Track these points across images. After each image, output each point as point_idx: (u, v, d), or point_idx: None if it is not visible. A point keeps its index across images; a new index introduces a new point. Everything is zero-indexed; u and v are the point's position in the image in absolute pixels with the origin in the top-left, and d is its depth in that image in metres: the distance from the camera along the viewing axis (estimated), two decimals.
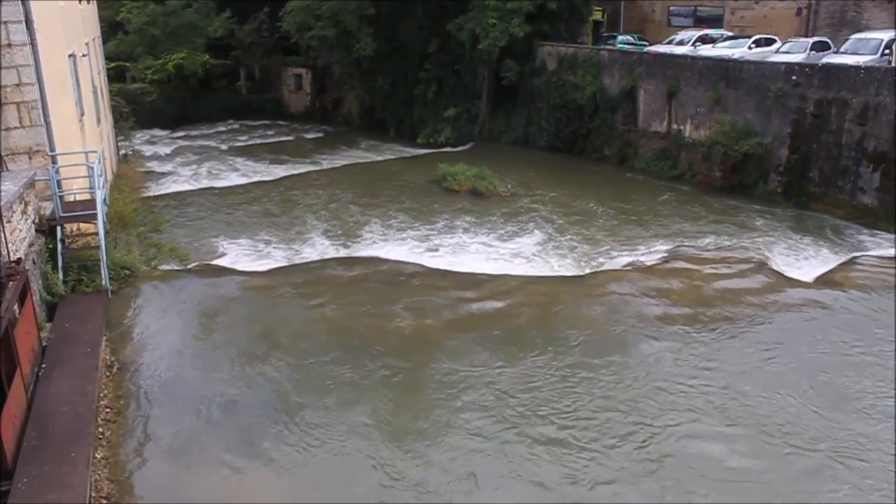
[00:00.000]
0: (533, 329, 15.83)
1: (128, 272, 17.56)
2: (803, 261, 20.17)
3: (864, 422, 12.44)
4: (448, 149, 35.36)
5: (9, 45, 14.85)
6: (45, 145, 15.70)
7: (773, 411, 12.69)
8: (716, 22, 37.57)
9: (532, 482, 10.96)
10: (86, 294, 15.07)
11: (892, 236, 21.42)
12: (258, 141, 39.03)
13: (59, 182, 15.68)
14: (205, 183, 29.44)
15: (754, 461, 11.40)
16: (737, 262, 19.94)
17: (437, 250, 21.17)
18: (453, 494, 10.72)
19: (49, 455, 9.63)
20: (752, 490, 10.77)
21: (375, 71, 38.80)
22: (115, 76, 41.49)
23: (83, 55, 22.27)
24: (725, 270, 19.34)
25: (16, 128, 15.36)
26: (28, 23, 14.97)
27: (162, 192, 27.67)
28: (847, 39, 28.06)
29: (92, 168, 16.57)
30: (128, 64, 44.09)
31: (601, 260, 20.34)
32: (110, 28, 42.25)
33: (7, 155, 15.30)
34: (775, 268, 19.53)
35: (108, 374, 13.35)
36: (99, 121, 24.84)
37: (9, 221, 12.35)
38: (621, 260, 20.25)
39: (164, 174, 30.65)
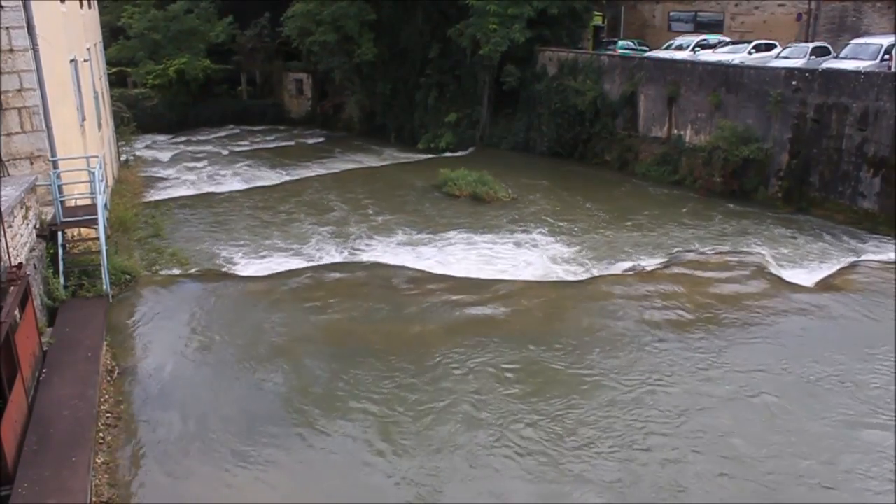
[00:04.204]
0: (534, 334, 15.80)
1: (129, 277, 17.58)
2: (804, 266, 20.18)
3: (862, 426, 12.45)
4: (449, 154, 35.42)
5: (10, 51, 14.89)
6: (47, 150, 15.74)
7: (774, 418, 12.70)
8: (716, 27, 37.60)
9: (528, 484, 10.97)
10: (86, 299, 15.09)
11: (893, 241, 21.43)
12: (259, 146, 39.09)
13: (60, 187, 15.68)
14: (205, 188, 29.48)
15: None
16: (737, 266, 19.93)
17: (437, 255, 21.16)
18: (453, 496, 10.72)
19: (49, 460, 9.63)
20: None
21: (376, 76, 38.89)
22: (117, 81, 41.62)
23: (84, 60, 22.33)
24: (726, 275, 19.33)
25: (17, 133, 15.39)
26: (30, 28, 15.02)
27: (163, 197, 27.70)
28: (847, 45, 28.08)
29: (93, 173, 16.58)
30: (129, 69, 44.20)
31: (602, 264, 20.33)
32: (112, 33, 42.39)
33: (8, 160, 15.33)
34: (776, 272, 19.53)
35: (108, 378, 13.35)
36: (100, 126, 24.88)
37: (10, 226, 12.37)
38: (622, 265, 20.25)
39: (165, 179, 30.69)
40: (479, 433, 12.18)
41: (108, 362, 13.83)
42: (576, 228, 23.58)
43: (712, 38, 34.09)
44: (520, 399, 13.19)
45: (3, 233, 11.57)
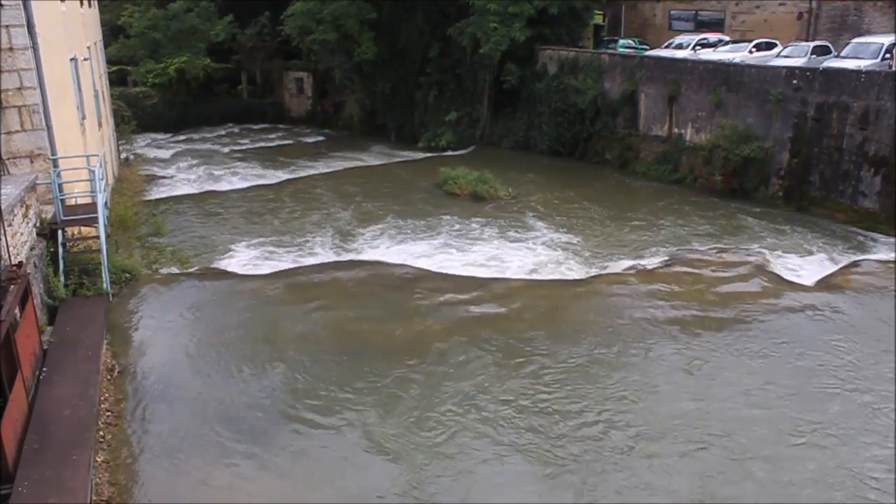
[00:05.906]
0: (534, 332, 15.79)
1: (129, 276, 17.56)
2: (804, 265, 20.15)
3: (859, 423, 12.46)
4: (449, 153, 35.40)
5: (10, 49, 14.86)
6: (47, 149, 15.71)
7: (771, 418, 12.71)
8: (717, 26, 37.54)
9: (528, 482, 10.97)
10: (87, 298, 15.06)
11: (893, 240, 21.41)
12: (259, 145, 39.10)
13: (60, 186, 15.66)
14: (205, 187, 29.47)
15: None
16: (738, 266, 19.91)
17: (437, 253, 21.15)
18: (453, 495, 10.73)
19: (50, 459, 9.63)
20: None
21: (376, 75, 38.88)
22: (117, 80, 41.60)
23: (84, 59, 22.31)
24: (726, 274, 19.32)
25: (17, 131, 15.38)
26: (30, 27, 14.99)
27: (163, 195, 27.70)
28: (848, 44, 28.03)
29: (93, 172, 16.56)
30: (129, 68, 44.21)
31: (602, 263, 20.34)
32: (112, 32, 42.33)
33: (8, 158, 15.31)
34: (776, 272, 19.50)
35: (109, 377, 13.34)
36: (100, 124, 24.87)
37: (10, 225, 12.37)
38: (622, 263, 20.24)
39: (165, 178, 30.69)
40: (472, 430, 12.19)
41: (109, 361, 13.82)
42: (576, 227, 23.57)
43: (713, 37, 34.07)
44: (518, 398, 13.18)
45: (3, 231, 11.56)
